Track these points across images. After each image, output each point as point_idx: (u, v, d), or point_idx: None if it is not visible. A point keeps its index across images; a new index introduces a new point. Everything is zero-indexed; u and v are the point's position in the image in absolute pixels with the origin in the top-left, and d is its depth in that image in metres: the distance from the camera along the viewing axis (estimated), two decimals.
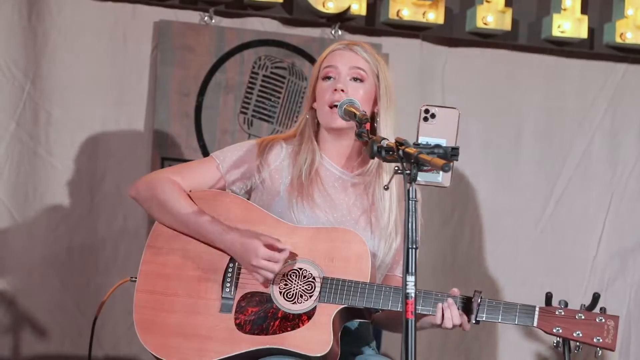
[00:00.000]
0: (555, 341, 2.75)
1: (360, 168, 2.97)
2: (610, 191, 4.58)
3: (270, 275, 2.75)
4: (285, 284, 2.78)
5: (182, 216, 2.85)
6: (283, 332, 2.74)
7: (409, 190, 2.26)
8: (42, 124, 3.96)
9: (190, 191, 2.93)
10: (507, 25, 4.30)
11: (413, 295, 2.23)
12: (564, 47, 4.46)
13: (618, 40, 4.39)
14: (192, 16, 4.12)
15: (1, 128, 3.92)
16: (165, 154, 4.04)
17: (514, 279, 4.45)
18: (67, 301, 3.98)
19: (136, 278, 2.88)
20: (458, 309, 2.72)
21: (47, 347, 3.95)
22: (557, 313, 2.74)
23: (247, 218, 2.85)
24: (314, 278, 2.77)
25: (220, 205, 2.88)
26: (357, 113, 2.73)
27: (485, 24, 4.27)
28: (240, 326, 2.77)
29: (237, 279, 2.81)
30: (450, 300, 2.73)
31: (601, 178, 4.57)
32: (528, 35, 4.42)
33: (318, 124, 2.98)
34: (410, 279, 2.24)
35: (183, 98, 4.08)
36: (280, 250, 2.75)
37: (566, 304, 2.76)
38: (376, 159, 2.91)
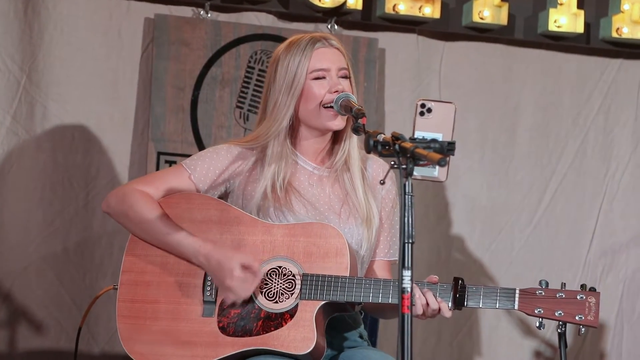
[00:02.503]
0: (537, 322, 2.72)
1: (328, 160, 2.96)
2: (604, 187, 4.59)
3: (239, 300, 2.73)
4: (266, 283, 2.76)
5: (155, 232, 2.81)
6: (267, 332, 2.73)
7: (404, 185, 2.25)
8: (37, 118, 3.96)
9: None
10: (503, 19, 4.30)
11: (409, 289, 2.23)
12: (560, 42, 4.46)
13: (614, 35, 4.40)
14: (186, 12, 4.12)
15: None
16: (161, 148, 4.04)
17: (509, 274, 4.46)
18: (62, 296, 3.97)
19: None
20: (436, 295, 2.71)
21: (43, 342, 3.95)
22: (537, 294, 2.71)
23: (223, 218, 2.82)
24: (293, 275, 2.76)
25: (195, 207, 2.84)
26: (354, 107, 2.73)
27: (481, 18, 4.27)
28: (223, 329, 2.75)
29: None
30: (425, 288, 2.72)
31: (595, 174, 4.58)
32: (524, 30, 4.42)
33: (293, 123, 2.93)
34: (407, 273, 2.24)
35: (179, 92, 4.07)
36: (255, 273, 2.71)
37: (547, 284, 2.73)
38: (345, 150, 2.92)
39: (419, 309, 2.70)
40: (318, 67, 2.88)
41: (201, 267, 2.79)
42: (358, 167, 2.93)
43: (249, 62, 4.15)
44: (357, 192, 2.90)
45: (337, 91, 2.85)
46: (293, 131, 2.93)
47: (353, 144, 2.93)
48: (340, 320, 2.88)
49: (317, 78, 2.88)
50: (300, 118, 2.91)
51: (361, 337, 2.95)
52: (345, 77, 2.90)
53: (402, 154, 2.28)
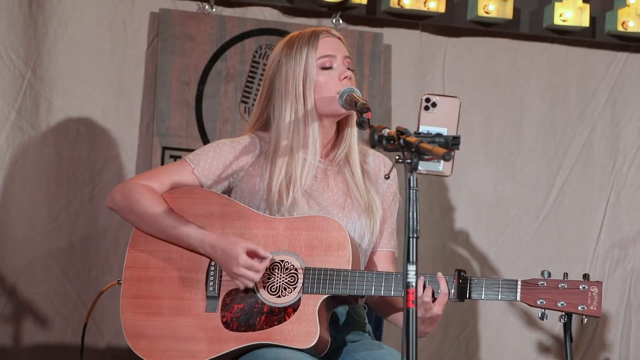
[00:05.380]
0: (540, 313, 2.70)
1: (331, 153, 2.95)
2: (611, 180, 4.58)
3: (250, 284, 2.72)
4: (268, 278, 2.76)
5: (160, 225, 2.81)
6: (270, 326, 2.73)
7: (409, 180, 2.25)
8: (42, 112, 3.96)
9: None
10: (508, 14, 4.30)
11: (414, 284, 2.23)
12: (565, 36, 4.45)
13: (620, 28, 4.39)
14: (191, 6, 4.12)
15: (2, 116, 3.92)
16: (166, 143, 4.04)
17: (516, 268, 4.45)
18: (68, 290, 3.98)
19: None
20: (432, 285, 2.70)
21: (49, 336, 3.95)
22: (539, 285, 2.69)
23: (225, 212, 2.82)
24: (296, 269, 2.76)
25: (197, 202, 2.84)
26: (358, 102, 2.72)
27: (486, 12, 4.26)
28: (227, 324, 2.75)
29: (220, 276, 2.79)
30: (421, 278, 2.70)
31: (602, 167, 4.58)
32: (530, 24, 4.41)
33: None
34: (411, 268, 2.24)
35: (184, 87, 4.07)
36: (262, 259, 2.71)
37: (549, 274, 2.71)
38: (347, 143, 2.92)
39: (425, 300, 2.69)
40: (326, 54, 2.87)
41: (208, 257, 2.79)
42: (358, 159, 2.93)
43: (254, 56, 4.15)
44: (358, 184, 2.91)
45: (346, 77, 2.85)
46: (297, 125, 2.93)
47: (355, 136, 2.93)
48: (344, 314, 2.89)
49: (324, 68, 2.87)
50: (308, 109, 2.90)
51: (365, 331, 2.95)
52: (349, 66, 2.91)
53: (407, 148, 2.28)
